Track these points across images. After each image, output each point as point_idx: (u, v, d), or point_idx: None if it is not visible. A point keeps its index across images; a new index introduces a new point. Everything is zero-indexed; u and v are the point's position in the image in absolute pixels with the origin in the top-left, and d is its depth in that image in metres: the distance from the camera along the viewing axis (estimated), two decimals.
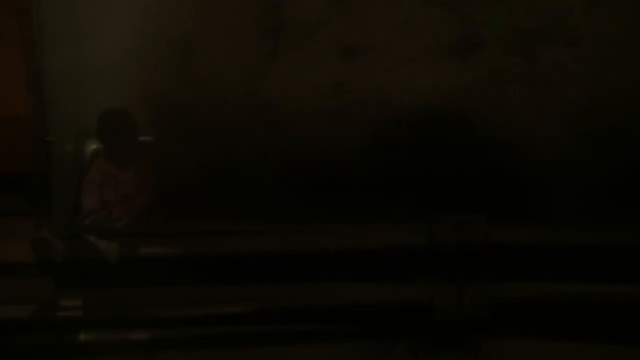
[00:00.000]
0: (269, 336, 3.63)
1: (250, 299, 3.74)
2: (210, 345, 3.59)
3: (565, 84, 4.59)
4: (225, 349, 3.56)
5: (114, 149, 4.22)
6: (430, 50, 4.59)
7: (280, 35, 4.61)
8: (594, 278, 3.71)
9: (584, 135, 4.61)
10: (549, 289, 3.69)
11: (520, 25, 4.56)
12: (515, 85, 4.60)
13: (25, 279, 3.89)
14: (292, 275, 3.81)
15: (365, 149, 4.66)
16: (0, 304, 3.77)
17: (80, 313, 3.78)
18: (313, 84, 4.63)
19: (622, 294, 3.66)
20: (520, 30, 4.56)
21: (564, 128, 4.62)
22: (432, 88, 4.60)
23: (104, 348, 3.59)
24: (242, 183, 4.65)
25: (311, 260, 3.82)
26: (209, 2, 4.57)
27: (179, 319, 3.66)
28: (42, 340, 3.60)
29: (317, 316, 3.69)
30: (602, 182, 4.57)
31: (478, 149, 4.63)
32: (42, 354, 3.55)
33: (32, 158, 4.52)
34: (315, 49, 4.62)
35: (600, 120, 4.60)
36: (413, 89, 4.60)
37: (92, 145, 4.38)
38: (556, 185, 4.61)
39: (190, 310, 3.68)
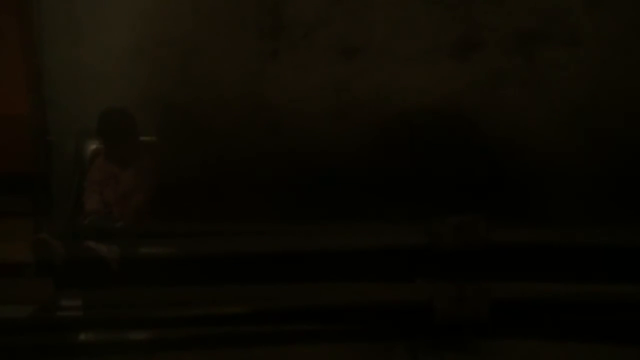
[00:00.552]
0: (269, 336, 3.63)
1: (250, 299, 3.74)
2: (210, 345, 3.59)
3: (565, 84, 4.59)
4: (225, 349, 3.57)
5: (115, 149, 4.23)
6: (430, 50, 4.59)
7: (280, 35, 4.61)
8: (593, 278, 3.72)
9: (584, 135, 4.61)
10: (549, 289, 3.69)
11: (520, 25, 4.56)
12: (515, 85, 4.60)
13: (25, 279, 3.89)
14: (292, 275, 3.81)
15: (365, 149, 4.66)
16: (0, 304, 3.77)
17: (80, 313, 3.78)
18: (313, 84, 4.64)
19: (622, 294, 3.66)
20: (520, 30, 4.56)
21: (564, 128, 4.63)
22: (432, 88, 4.61)
23: (104, 348, 3.60)
24: (242, 183, 4.65)
25: (311, 260, 3.82)
26: (209, 2, 4.57)
27: (179, 319, 3.66)
28: (42, 340, 3.60)
29: (317, 316, 3.69)
30: (602, 182, 4.57)
31: (478, 149, 4.63)
32: (42, 354, 3.55)
33: (32, 158, 4.52)
34: (316, 49, 4.62)
35: (600, 120, 4.61)
36: (413, 89, 4.61)
37: (92, 145, 4.38)
38: (556, 186, 4.61)
39: (190, 310, 3.68)
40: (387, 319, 3.66)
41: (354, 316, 3.68)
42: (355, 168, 4.63)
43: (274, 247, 3.91)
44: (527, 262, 3.77)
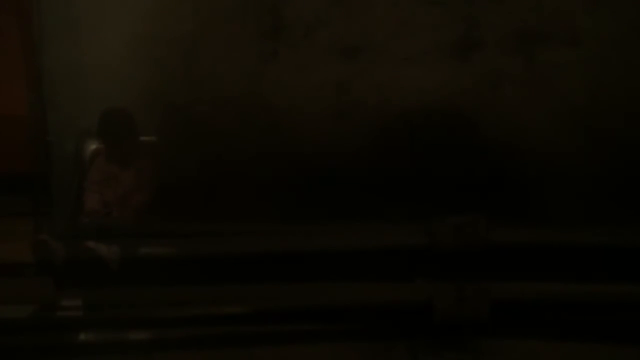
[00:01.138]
0: (269, 336, 3.63)
1: (250, 299, 3.73)
2: (210, 345, 3.59)
3: (565, 84, 4.59)
4: (225, 349, 3.56)
5: (115, 149, 4.23)
6: (430, 50, 4.58)
7: (280, 35, 4.61)
8: (594, 278, 3.71)
9: (584, 135, 4.61)
10: (549, 289, 3.68)
11: (520, 25, 4.56)
12: (515, 85, 4.60)
13: (25, 279, 3.88)
14: (292, 275, 3.81)
15: (365, 149, 4.66)
16: (0, 304, 3.77)
17: (80, 313, 3.78)
18: (313, 84, 4.63)
19: (622, 294, 3.66)
20: (521, 30, 4.56)
21: (564, 128, 4.62)
22: (432, 88, 4.60)
23: (104, 348, 3.59)
24: (242, 183, 4.65)
25: (311, 260, 3.82)
26: (209, 2, 4.56)
27: (179, 319, 3.66)
28: (42, 340, 3.60)
29: (317, 316, 3.69)
30: (602, 182, 4.57)
31: (478, 149, 4.63)
32: (42, 354, 3.55)
33: (32, 158, 4.52)
34: (316, 49, 4.62)
35: (600, 120, 4.60)
36: (413, 89, 4.60)
37: (92, 145, 4.38)
38: (556, 186, 4.61)
39: (190, 310, 3.68)
40: (387, 319, 3.66)
41: (354, 316, 3.68)
42: (355, 168, 4.63)
43: (274, 247, 3.91)
44: (527, 262, 3.76)
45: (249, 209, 4.53)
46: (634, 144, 4.61)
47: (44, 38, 4.51)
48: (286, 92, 4.64)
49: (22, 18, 4.49)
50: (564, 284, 3.68)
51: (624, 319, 3.62)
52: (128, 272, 3.87)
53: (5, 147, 4.52)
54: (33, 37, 4.51)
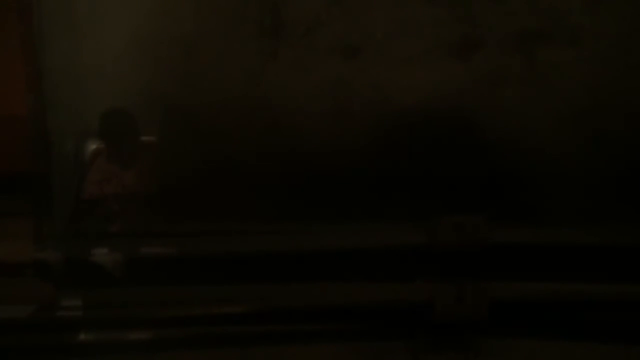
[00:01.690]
0: (269, 336, 3.63)
1: (250, 299, 3.74)
2: (210, 345, 3.59)
3: (565, 84, 4.58)
4: (225, 349, 3.57)
5: (115, 149, 4.24)
6: (431, 50, 4.58)
7: (280, 35, 4.60)
8: (594, 278, 3.71)
9: (584, 135, 4.60)
10: (549, 289, 3.69)
11: (520, 25, 4.56)
12: (515, 85, 4.59)
13: (25, 279, 3.89)
14: (292, 275, 3.81)
15: (365, 149, 4.66)
16: (0, 304, 3.77)
17: (80, 313, 3.78)
18: (313, 83, 4.63)
19: (622, 294, 3.66)
20: (521, 30, 4.56)
21: (565, 128, 4.62)
22: (432, 88, 4.60)
23: (104, 348, 3.60)
24: (242, 183, 4.64)
25: (311, 260, 3.82)
26: (209, 2, 4.56)
27: (179, 319, 3.66)
28: (42, 340, 3.60)
29: (317, 316, 3.69)
30: (602, 182, 4.57)
31: (478, 149, 4.63)
32: (42, 354, 3.55)
33: (32, 158, 4.52)
34: (315, 49, 4.61)
35: (600, 120, 4.60)
36: (413, 89, 4.60)
37: (92, 145, 4.38)
38: (556, 185, 4.61)
39: (190, 310, 3.68)
40: (386, 319, 3.66)
41: (354, 316, 3.68)
42: (355, 167, 4.62)
43: (274, 247, 3.91)
44: (527, 262, 3.77)
45: (248, 208, 4.53)
46: (635, 144, 4.60)
47: (44, 38, 4.51)
48: (286, 91, 4.64)
49: (22, 18, 4.48)
50: (564, 284, 3.69)
51: (624, 319, 3.62)
52: (128, 272, 3.87)
53: (5, 147, 4.52)
54: (33, 37, 4.50)
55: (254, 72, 4.70)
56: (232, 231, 4.15)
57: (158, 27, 4.59)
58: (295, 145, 4.70)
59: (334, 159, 4.67)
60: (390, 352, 3.50)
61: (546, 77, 4.62)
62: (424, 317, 3.54)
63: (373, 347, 3.52)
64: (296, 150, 4.69)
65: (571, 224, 4.45)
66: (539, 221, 4.53)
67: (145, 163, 4.23)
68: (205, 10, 4.60)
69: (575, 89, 4.60)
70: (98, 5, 4.54)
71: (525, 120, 4.64)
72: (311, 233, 4.07)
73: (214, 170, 4.69)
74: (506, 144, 4.65)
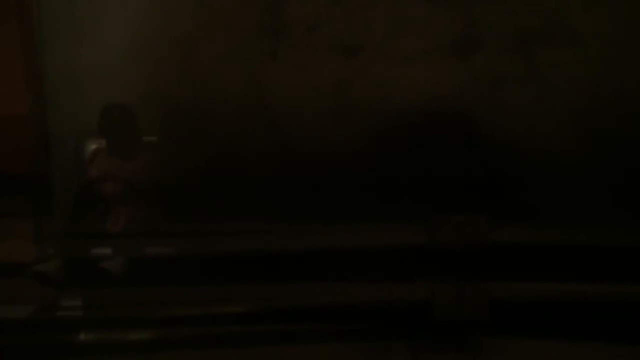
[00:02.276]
0: (269, 336, 3.63)
1: (250, 299, 3.73)
2: (210, 345, 3.59)
3: (565, 84, 4.58)
4: (225, 349, 3.56)
5: (115, 145, 4.25)
6: (430, 50, 4.58)
7: (280, 35, 4.60)
8: (594, 278, 3.71)
9: (584, 135, 4.60)
10: (549, 289, 3.68)
11: (520, 25, 4.55)
12: (515, 85, 4.59)
13: (25, 279, 3.89)
14: (292, 275, 3.81)
15: (365, 149, 4.65)
16: (0, 304, 3.77)
17: (80, 313, 3.78)
18: (313, 83, 4.63)
19: (622, 294, 3.66)
20: (521, 30, 4.56)
21: (564, 128, 4.62)
22: (432, 88, 4.60)
23: (104, 348, 3.60)
24: (242, 183, 4.64)
25: (311, 260, 3.82)
26: (208, 2, 4.56)
27: (179, 319, 3.66)
28: (42, 340, 3.60)
29: (317, 316, 3.69)
30: (602, 182, 4.56)
31: (478, 149, 4.63)
32: (42, 354, 3.55)
33: (32, 158, 4.52)
34: (315, 48, 4.61)
35: (600, 120, 4.60)
36: (413, 89, 4.60)
37: (92, 145, 4.38)
38: (556, 185, 4.61)
39: (190, 310, 3.68)
40: (387, 319, 3.66)
41: (354, 316, 3.68)
42: (355, 168, 4.62)
43: (274, 247, 3.91)
44: (527, 261, 3.77)
45: (248, 208, 4.53)
46: (635, 144, 4.60)
47: (44, 38, 4.51)
48: (286, 91, 4.64)
49: (22, 18, 4.48)
50: (564, 284, 3.69)
51: (624, 319, 3.62)
52: (128, 272, 3.87)
53: (5, 147, 4.52)
54: (33, 37, 4.50)
55: (254, 72, 4.70)
56: (232, 231, 4.15)
57: (158, 27, 4.59)
58: (295, 145, 4.70)
59: (334, 159, 4.67)
60: (390, 352, 3.50)
61: (546, 77, 4.62)
62: (424, 317, 3.53)
63: (373, 347, 3.52)
64: (296, 150, 4.69)
65: (571, 224, 4.45)
66: (539, 221, 4.53)
67: (145, 161, 4.23)
68: (205, 10, 4.60)
69: (575, 89, 4.60)
70: (98, 6, 4.54)
71: (525, 120, 4.64)
72: (311, 233, 4.07)
73: (214, 170, 4.69)
74: (506, 143, 4.65)
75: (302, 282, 3.78)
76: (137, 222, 4.12)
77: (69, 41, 4.54)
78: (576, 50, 4.55)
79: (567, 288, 3.69)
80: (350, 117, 4.66)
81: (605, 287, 3.69)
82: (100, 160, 4.29)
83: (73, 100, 4.56)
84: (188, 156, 4.66)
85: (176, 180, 4.49)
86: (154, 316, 3.67)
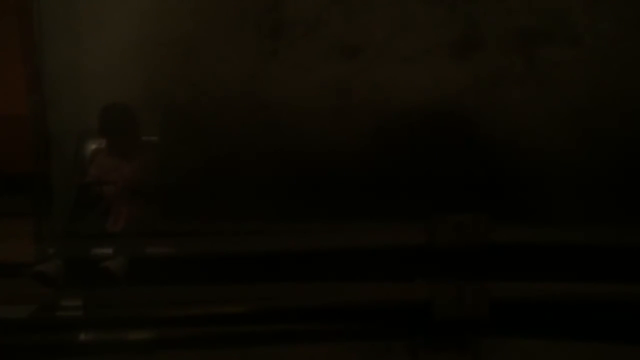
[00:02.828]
0: (269, 336, 3.63)
1: (250, 299, 3.74)
2: (210, 345, 3.59)
3: (565, 84, 4.58)
4: (225, 349, 3.56)
5: (115, 143, 4.25)
6: (430, 50, 4.58)
7: (280, 35, 4.60)
8: (593, 278, 3.71)
9: (584, 135, 4.60)
10: (549, 289, 3.68)
11: (520, 25, 4.56)
12: (515, 85, 4.59)
13: (25, 279, 3.89)
14: (292, 275, 3.81)
15: (365, 149, 4.65)
16: (0, 304, 3.77)
17: (80, 313, 3.78)
18: (313, 83, 4.63)
19: (622, 294, 3.66)
20: (521, 30, 4.56)
21: (564, 128, 4.62)
22: (432, 88, 4.60)
23: (104, 348, 3.60)
24: (242, 183, 4.65)
25: (311, 260, 3.82)
26: (208, 2, 4.56)
27: (179, 319, 3.66)
28: (42, 340, 3.60)
29: (317, 316, 3.69)
30: (602, 182, 4.56)
31: (478, 149, 4.63)
32: (42, 354, 3.55)
33: (32, 158, 4.52)
34: (315, 49, 4.61)
35: (600, 120, 4.60)
36: (413, 89, 4.60)
37: (92, 145, 4.38)
38: (556, 185, 4.61)
39: (190, 310, 3.68)
40: (387, 319, 3.66)
41: (354, 316, 3.68)
42: (355, 168, 4.62)
43: (274, 247, 3.91)
44: (527, 262, 3.77)
45: (248, 208, 4.53)
46: (634, 144, 4.60)
47: (44, 38, 4.51)
48: (286, 91, 4.64)
49: (22, 18, 4.48)
50: (564, 284, 3.69)
51: (624, 319, 3.62)
52: (128, 272, 3.87)
53: (5, 147, 4.52)
54: (33, 37, 4.50)
55: (254, 72, 4.70)
56: (232, 231, 4.15)
57: (158, 28, 4.59)
58: (295, 144, 4.70)
59: (333, 159, 4.67)
60: (390, 352, 3.50)
61: (546, 77, 4.62)
62: (424, 317, 3.53)
63: (373, 347, 3.52)
64: (296, 150, 4.69)
65: (570, 224, 4.45)
66: (539, 221, 4.53)
67: (145, 161, 4.23)
68: (205, 10, 4.60)
69: (575, 89, 4.60)
70: (97, 6, 4.54)
71: (525, 120, 4.64)
72: (311, 233, 4.07)
73: (214, 170, 4.69)
74: (506, 143, 4.65)
75: (302, 282, 3.78)
76: (137, 222, 4.12)
77: (69, 41, 4.54)
78: (576, 50, 4.55)
79: (567, 288, 3.69)
80: (350, 117, 4.66)
81: (605, 287, 3.69)
82: (100, 160, 4.28)
83: (73, 100, 4.56)
84: (188, 156, 4.66)
85: (176, 180, 4.49)
86: (154, 316, 3.67)
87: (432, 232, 3.61)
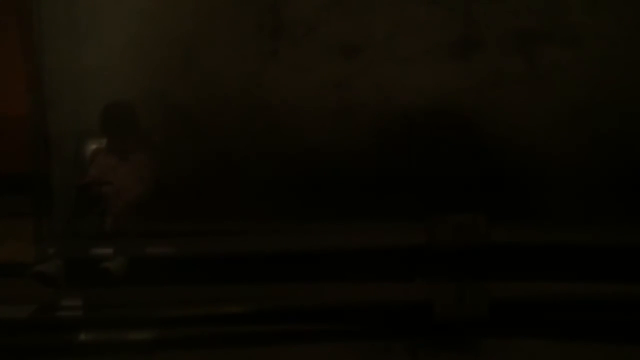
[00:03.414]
0: (269, 336, 3.63)
1: (250, 299, 3.74)
2: (210, 345, 3.59)
3: (565, 84, 4.58)
4: (225, 349, 3.56)
5: (116, 141, 4.25)
6: (430, 50, 4.58)
7: (280, 35, 4.61)
8: (593, 278, 3.71)
9: (584, 135, 4.60)
10: (549, 289, 3.68)
11: (520, 25, 4.56)
12: (515, 85, 4.59)
13: (25, 279, 3.89)
14: (292, 275, 3.81)
15: (365, 149, 4.66)
16: (0, 304, 3.78)
17: (80, 313, 3.78)
18: (313, 83, 4.63)
19: (622, 294, 3.66)
20: (521, 30, 4.56)
21: (564, 128, 4.62)
22: (432, 88, 4.60)
23: (104, 348, 3.60)
24: (242, 183, 4.65)
25: (311, 260, 3.82)
26: (209, 2, 4.56)
27: (179, 319, 3.66)
28: (42, 340, 3.60)
29: (317, 316, 3.69)
30: (602, 182, 4.57)
31: (478, 149, 4.63)
32: (42, 354, 3.55)
33: (32, 158, 4.52)
34: (316, 49, 4.61)
35: (600, 120, 4.60)
36: (413, 89, 4.60)
37: (92, 145, 4.39)
38: (556, 185, 4.61)
39: (190, 310, 3.68)
40: (387, 319, 3.66)
41: (354, 316, 3.68)
42: (355, 168, 4.63)
43: (274, 247, 3.91)
44: (527, 262, 3.77)
45: (248, 208, 4.53)
46: (634, 143, 4.60)
47: (44, 38, 4.51)
48: (286, 91, 4.64)
49: (22, 18, 4.49)
50: (564, 284, 3.69)
51: (624, 319, 3.62)
52: (128, 272, 3.88)
53: (5, 147, 4.52)
54: (33, 37, 4.50)
55: (254, 72, 4.70)
56: (232, 231, 4.15)
57: (158, 28, 4.59)
58: (295, 144, 4.70)
59: (334, 159, 4.67)
60: (390, 352, 3.50)
61: (546, 77, 4.62)
62: (424, 317, 3.53)
63: (373, 347, 3.52)
64: (296, 150, 4.70)
65: (570, 224, 4.45)
66: (539, 221, 4.53)
67: (144, 160, 4.24)
68: (205, 10, 4.60)
69: (575, 89, 4.60)
70: (98, 6, 4.54)
71: (525, 120, 4.64)
72: (311, 233, 4.07)
73: (213, 169, 4.69)
74: (506, 143, 4.65)
75: (302, 282, 3.78)
76: (136, 222, 4.12)
77: (69, 41, 4.54)
78: (576, 50, 4.55)
79: (567, 288, 3.69)
80: (350, 117, 4.66)
81: (605, 287, 3.69)
82: (100, 160, 4.28)
83: (73, 100, 4.56)
84: (188, 156, 4.66)
85: (176, 180, 4.49)
86: (154, 316, 3.67)
87: (432, 232, 3.61)
